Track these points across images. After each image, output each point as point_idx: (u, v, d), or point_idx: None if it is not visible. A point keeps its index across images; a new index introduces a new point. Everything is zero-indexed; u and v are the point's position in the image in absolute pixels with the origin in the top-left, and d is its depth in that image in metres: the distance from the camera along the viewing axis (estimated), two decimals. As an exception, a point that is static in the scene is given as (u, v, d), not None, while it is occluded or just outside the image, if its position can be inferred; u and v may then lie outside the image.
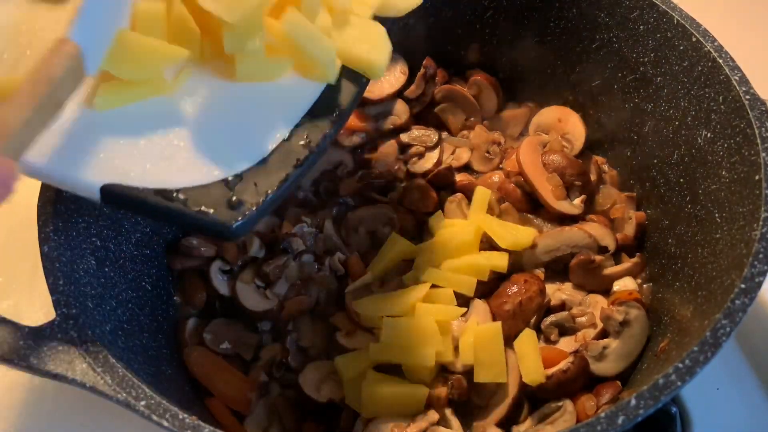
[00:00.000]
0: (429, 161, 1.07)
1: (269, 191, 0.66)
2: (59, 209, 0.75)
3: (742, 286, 0.65)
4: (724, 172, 0.80)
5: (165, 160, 0.66)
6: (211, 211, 0.63)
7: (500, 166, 1.07)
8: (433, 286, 0.90)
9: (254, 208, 0.64)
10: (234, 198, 0.65)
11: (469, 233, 0.93)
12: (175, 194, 0.64)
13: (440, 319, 0.86)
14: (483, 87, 1.13)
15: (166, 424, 0.62)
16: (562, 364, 0.84)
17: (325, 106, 0.75)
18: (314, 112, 0.74)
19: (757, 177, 0.73)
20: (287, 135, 0.71)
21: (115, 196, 0.63)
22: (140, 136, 0.67)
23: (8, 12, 0.71)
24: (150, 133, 0.67)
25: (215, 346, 0.91)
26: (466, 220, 0.98)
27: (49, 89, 0.56)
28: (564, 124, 1.08)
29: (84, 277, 0.75)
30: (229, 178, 0.66)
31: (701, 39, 0.83)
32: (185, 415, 0.62)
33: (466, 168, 1.09)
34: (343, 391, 0.85)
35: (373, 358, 0.84)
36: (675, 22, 0.87)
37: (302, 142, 0.71)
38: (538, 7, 1.05)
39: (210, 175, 0.66)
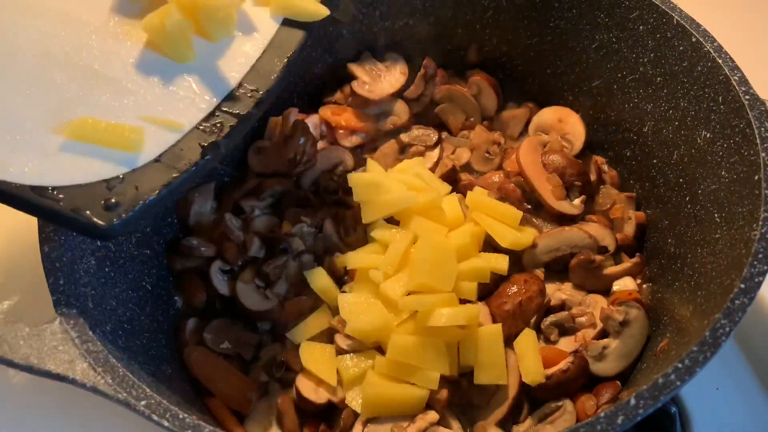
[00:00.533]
0: (429, 161, 1.08)
1: (149, 195, 0.65)
2: (59, 209, 0.75)
3: (742, 286, 0.65)
4: (723, 172, 0.80)
5: (47, 156, 0.65)
6: (87, 212, 0.63)
7: (500, 166, 1.08)
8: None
9: (130, 213, 0.64)
10: (111, 200, 0.64)
11: (466, 236, 0.93)
12: (51, 192, 0.63)
13: (449, 339, 0.85)
14: (483, 87, 1.13)
15: (166, 423, 0.62)
16: (562, 364, 0.84)
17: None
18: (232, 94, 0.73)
19: (756, 177, 0.73)
20: (189, 126, 0.70)
21: None
22: (28, 133, 0.65)
23: None
24: (39, 129, 0.66)
25: (215, 346, 0.91)
26: (465, 220, 0.98)
27: None
28: (564, 125, 1.08)
29: (84, 277, 0.75)
30: (110, 180, 0.65)
31: (701, 39, 0.83)
32: (185, 415, 0.62)
33: (467, 168, 1.09)
34: (341, 391, 0.85)
35: (377, 370, 0.84)
36: (675, 22, 0.87)
37: (208, 132, 0.70)
38: (538, 7, 1.05)
39: (91, 174, 0.65)
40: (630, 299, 0.88)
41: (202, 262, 0.97)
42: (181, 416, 0.62)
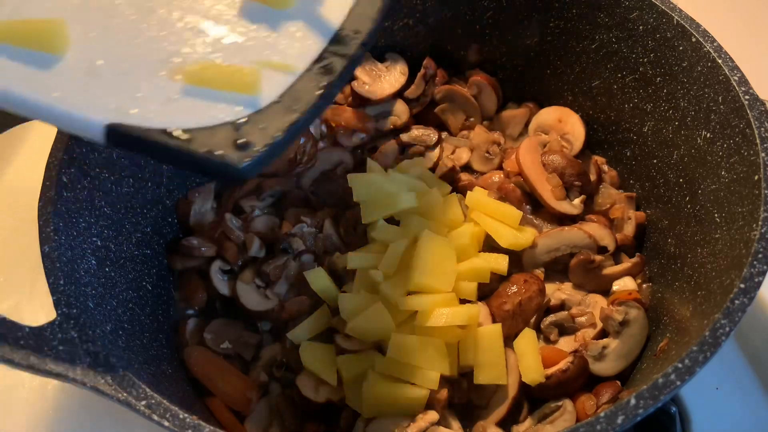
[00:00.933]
0: (429, 161, 1.08)
1: (277, 134, 0.64)
2: (60, 209, 0.76)
3: (742, 285, 0.65)
4: (723, 172, 0.80)
5: (169, 101, 0.65)
6: (219, 151, 0.62)
7: (500, 166, 1.08)
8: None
9: (261, 153, 0.62)
10: (241, 140, 0.63)
11: (466, 236, 0.93)
12: (181, 134, 0.62)
13: (449, 339, 0.85)
14: (483, 87, 1.13)
15: (166, 423, 0.62)
16: (562, 364, 0.84)
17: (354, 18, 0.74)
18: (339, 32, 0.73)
19: (756, 177, 0.73)
20: (303, 68, 0.70)
21: (119, 136, 0.62)
22: (141, 77, 0.65)
23: None
24: (151, 73, 0.66)
25: (215, 345, 0.91)
26: (465, 220, 0.98)
27: None
28: (564, 125, 1.08)
29: (84, 277, 0.75)
30: (237, 121, 0.65)
31: (701, 39, 0.83)
32: (186, 415, 0.62)
33: (466, 168, 1.10)
34: (341, 392, 0.86)
35: (377, 370, 0.84)
36: (674, 22, 0.87)
37: (321, 73, 0.70)
38: (538, 7, 1.05)
39: (215, 117, 0.64)
40: (630, 299, 0.88)
41: (202, 262, 0.97)
42: (181, 416, 0.62)
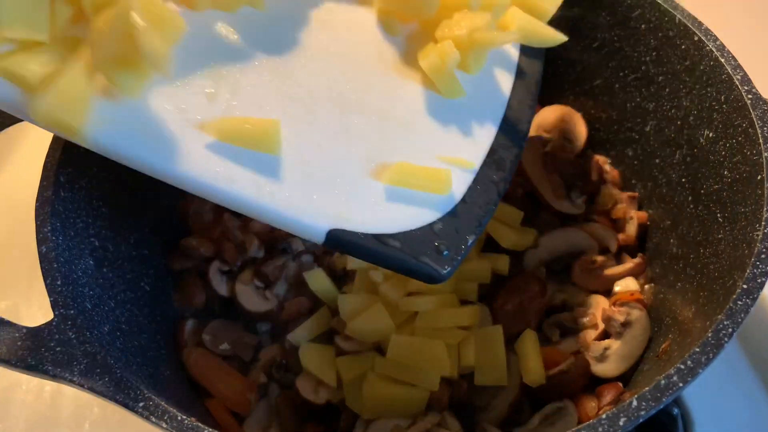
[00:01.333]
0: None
1: (470, 237, 0.66)
2: (57, 209, 0.75)
3: (744, 286, 0.65)
4: (726, 172, 0.80)
5: (376, 204, 0.65)
6: (425, 259, 0.63)
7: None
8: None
9: (459, 257, 0.65)
10: (440, 244, 0.65)
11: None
12: (391, 239, 0.64)
13: (449, 340, 0.85)
14: (483, 86, 1.12)
15: (164, 425, 0.61)
16: (563, 366, 0.83)
17: (517, 102, 0.74)
18: (506, 119, 0.74)
19: (759, 177, 0.72)
20: (479, 164, 0.70)
21: (338, 240, 0.63)
22: (349, 179, 0.66)
23: None
24: (360, 176, 0.66)
25: (214, 347, 0.91)
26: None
27: None
28: (565, 124, 1.07)
29: (82, 277, 0.75)
30: (433, 224, 0.66)
31: (703, 38, 0.83)
32: (184, 417, 0.61)
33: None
34: (340, 393, 0.85)
35: (377, 371, 0.84)
36: (677, 21, 0.86)
37: (494, 168, 0.71)
38: (538, 7, 1.04)
39: (416, 220, 0.66)
40: (632, 300, 0.88)
41: (201, 263, 0.97)
42: (179, 418, 0.61)
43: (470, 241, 0.66)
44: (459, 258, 0.64)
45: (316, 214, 0.63)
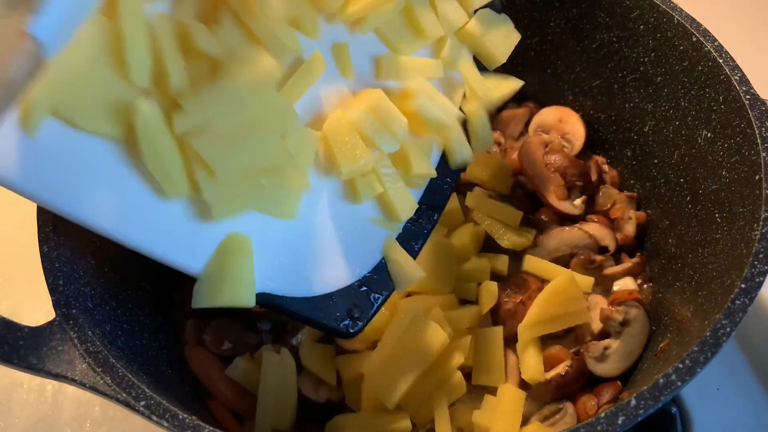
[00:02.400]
0: (429, 161, 1.07)
1: (379, 300, 0.76)
2: (59, 209, 0.75)
3: (743, 286, 0.65)
4: (724, 172, 0.80)
5: (300, 272, 0.71)
6: (340, 323, 0.73)
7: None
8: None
9: (369, 318, 0.75)
10: (354, 308, 0.74)
11: (466, 236, 0.93)
12: (311, 303, 0.72)
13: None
14: (483, 87, 1.13)
15: (166, 424, 0.62)
16: (560, 368, 0.84)
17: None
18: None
19: (757, 177, 0.73)
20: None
21: (266, 300, 0.69)
22: (282, 254, 0.70)
23: None
24: (286, 250, 0.71)
25: (215, 346, 0.91)
26: (465, 221, 0.98)
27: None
28: (564, 124, 1.08)
29: (84, 277, 0.75)
30: (353, 286, 0.74)
31: (701, 39, 0.83)
32: (185, 416, 0.62)
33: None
34: (340, 391, 0.85)
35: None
36: (675, 22, 0.87)
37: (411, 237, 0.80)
38: (538, 7, 1.05)
39: (334, 285, 0.73)
40: (630, 299, 0.88)
41: (201, 262, 0.97)
42: (180, 416, 0.62)
43: (378, 303, 0.75)
44: (367, 322, 0.75)
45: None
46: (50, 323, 0.68)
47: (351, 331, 0.73)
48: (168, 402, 0.63)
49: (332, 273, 0.73)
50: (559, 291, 0.85)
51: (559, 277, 0.86)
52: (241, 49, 0.63)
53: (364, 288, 0.75)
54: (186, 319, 0.93)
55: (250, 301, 0.66)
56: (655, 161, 0.96)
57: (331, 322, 0.72)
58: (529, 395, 0.84)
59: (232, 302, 0.65)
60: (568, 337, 0.90)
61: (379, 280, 0.76)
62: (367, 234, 0.76)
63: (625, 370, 0.85)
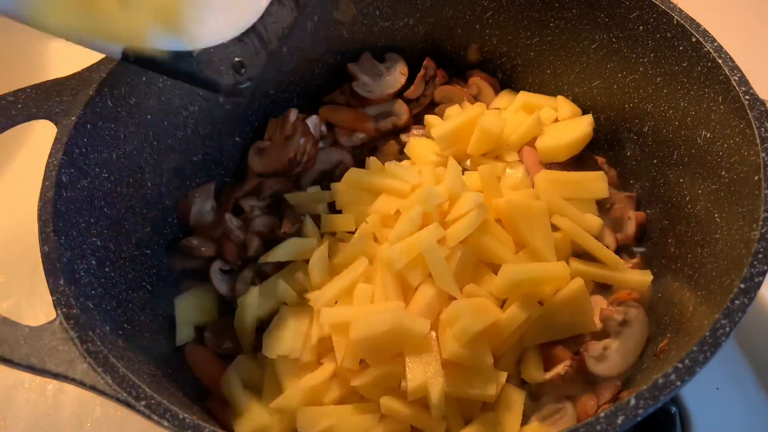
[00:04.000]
0: (429, 161, 1.07)
1: (264, 57, 0.75)
2: (60, 209, 0.76)
3: (742, 286, 0.65)
4: (723, 172, 0.80)
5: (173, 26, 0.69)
6: (221, 77, 0.71)
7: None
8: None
9: (254, 73, 0.73)
10: (237, 60, 0.72)
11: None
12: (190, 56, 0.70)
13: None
14: (483, 87, 1.13)
15: (166, 423, 0.62)
16: (560, 368, 0.84)
17: None
18: None
19: (756, 177, 0.73)
20: None
21: (140, 57, 0.68)
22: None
23: None
24: None
25: (216, 346, 0.91)
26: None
27: None
28: (564, 125, 1.07)
29: (84, 277, 0.75)
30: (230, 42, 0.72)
31: (701, 39, 0.83)
32: (186, 415, 0.62)
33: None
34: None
35: None
36: (674, 22, 0.87)
37: None
38: (538, 7, 1.05)
39: (221, 35, 0.72)
40: (629, 299, 0.88)
41: (202, 262, 0.97)
42: (181, 416, 0.62)
43: (265, 59, 0.74)
44: (255, 74, 0.72)
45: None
46: (51, 323, 0.68)
47: (240, 87, 0.72)
48: (168, 402, 0.63)
49: (210, 25, 0.72)
50: (569, 300, 0.84)
51: (570, 284, 0.84)
52: None
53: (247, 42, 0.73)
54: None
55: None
56: (655, 161, 0.96)
57: (214, 76, 0.71)
58: (529, 395, 0.85)
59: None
60: (567, 338, 0.90)
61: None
62: None
63: (625, 370, 0.85)
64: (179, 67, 0.69)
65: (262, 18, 0.76)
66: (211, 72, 0.71)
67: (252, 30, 0.75)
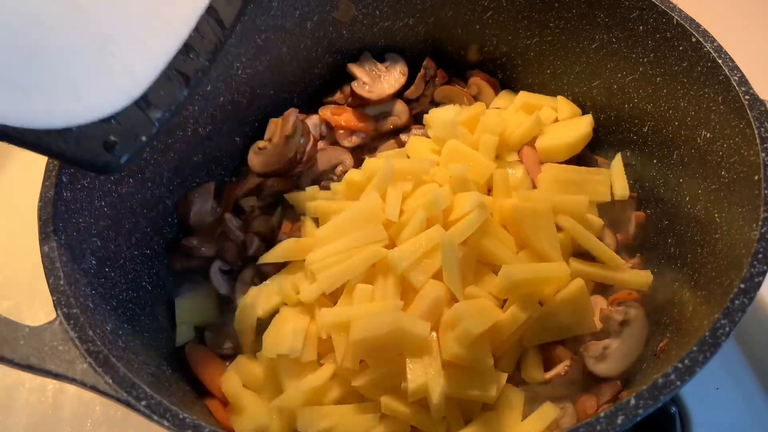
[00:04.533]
0: (429, 161, 1.07)
1: (144, 137, 0.69)
2: (59, 209, 0.76)
3: (742, 286, 0.65)
4: (723, 172, 0.80)
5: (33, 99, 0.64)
6: (93, 155, 0.67)
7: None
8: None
9: (127, 155, 0.69)
10: (111, 140, 0.68)
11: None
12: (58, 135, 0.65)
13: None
14: (483, 87, 1.13)
15: (166, 423, 0.62)
16: (560, 368, 0.84)
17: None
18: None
19: (756, 177, 0.73)
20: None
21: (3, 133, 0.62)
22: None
23: None
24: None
25: (216, 346, 0.91)
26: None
27: None
28: (564, 125, 1.08)
29: (84, 277, 0.75)
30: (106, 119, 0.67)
31: (701, 39, 0.83)
32: (186, 415, 0.62)
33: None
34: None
35: None
36: (674, 22, 0.87)
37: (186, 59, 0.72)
38: (538, 7, 1.05)
39: (91, 114, 0.66)
40: (629, 299, 0.88)
41: (202, 262, 0.97)
42: (181, 416, 0.62)
43: (145, 139, 0.69)
44: (127, 156, 0.68)
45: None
46: (51, 323, 0.68)
47: (113, 165, 0.67)
48: (168, 401, 0.63)
49: (73, 103, 0.66)
50: (569, 300, 0.84)
51: (571, 284, 0.84)
52: None
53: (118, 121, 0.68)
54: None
55: None
56: (655, 161, 0.96)
57: (84, 154, 0.66)
58: (529, 395, 0.85)
59: None
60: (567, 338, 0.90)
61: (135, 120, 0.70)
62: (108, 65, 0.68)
63: (625, 370, 0.85)
64: (42, 143, 0.64)
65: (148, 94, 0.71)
66: (80, 151, 0.66)
67: (136, 104, 0.70)
